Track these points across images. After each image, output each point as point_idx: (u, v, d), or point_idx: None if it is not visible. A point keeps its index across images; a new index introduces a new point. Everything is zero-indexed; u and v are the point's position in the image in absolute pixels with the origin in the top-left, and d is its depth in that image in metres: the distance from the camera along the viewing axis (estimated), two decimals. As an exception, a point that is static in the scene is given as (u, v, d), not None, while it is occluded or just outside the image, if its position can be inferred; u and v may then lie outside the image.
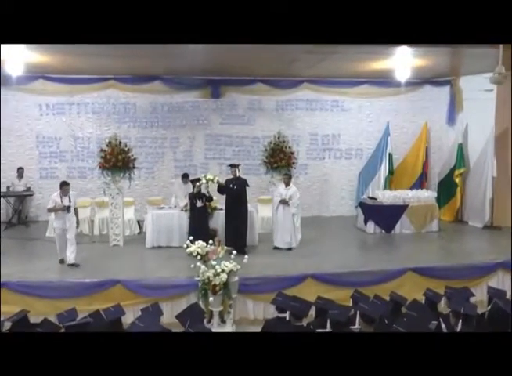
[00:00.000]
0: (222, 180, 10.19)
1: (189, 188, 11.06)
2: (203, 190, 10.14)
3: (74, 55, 9.33)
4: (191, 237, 8.17)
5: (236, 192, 9.85)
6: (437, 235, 11.71)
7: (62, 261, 8.99)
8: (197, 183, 10.11)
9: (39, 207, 12.82)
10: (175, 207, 10.95)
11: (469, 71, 12.25)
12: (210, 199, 10.12)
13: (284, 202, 10.03)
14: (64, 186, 8.90)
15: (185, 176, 11.44)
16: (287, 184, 10.16)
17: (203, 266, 7.47)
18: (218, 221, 10.29)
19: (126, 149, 10.44)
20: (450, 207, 13.00)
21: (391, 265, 8.95)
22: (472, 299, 7.00)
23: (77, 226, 9.82)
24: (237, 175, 10.08)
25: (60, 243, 8.97)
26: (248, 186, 10.08)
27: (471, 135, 12.77)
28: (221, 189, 10.08)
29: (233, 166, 10.22)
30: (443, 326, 5.72)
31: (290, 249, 10.07)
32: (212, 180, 10.08)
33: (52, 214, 9.26)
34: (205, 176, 10.18)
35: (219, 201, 10.70)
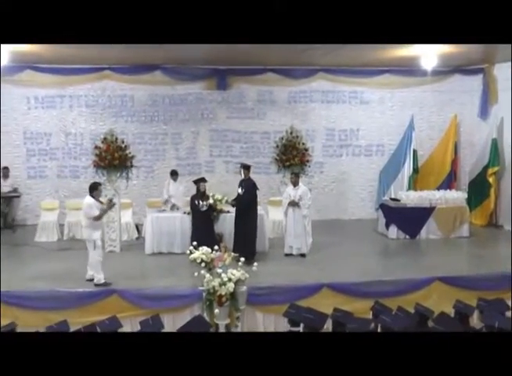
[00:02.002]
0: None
1: (179, 186, 11.37)
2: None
3: (66, 42, 9.40)
4: (194, 243, 8.19)
5: (243, 196, 9.86)
6: (467, 241, 11.64)
7: (109, 283, 8.36)
8: (201, 183, 10.15)
9: (27, 209, 12.92)
10: (178, 209, 11.00)
11: (504, 58, 12.14)
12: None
13: (294, 204, 10.06)
14: (99, 187, 8.64)
15: (174, 173, 11.52)
16: (295, 184, 10.19)
17: (207, 275, 7.49)
18: (225, 225, 10.32)
19: (123, 146, 10.50)
20: (483, 209, 12.92)
21: (416, 273, 8.92)
22: (508, 313, 6.95)
23: None
24: (247, 176, 10.04)
25: (99, 258, 8.53)
26: (258, 189, 10.05)
27: (507, 129, 12.67)
28: (232, 204, 10.17)
29: (244, 167, 10.17)
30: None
31: (303, 255, 10.08)
32: (220, 201, 10.09)
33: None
34: (213, 196, 10.21)
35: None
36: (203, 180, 10.32)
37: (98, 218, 8.46)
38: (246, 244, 9.58)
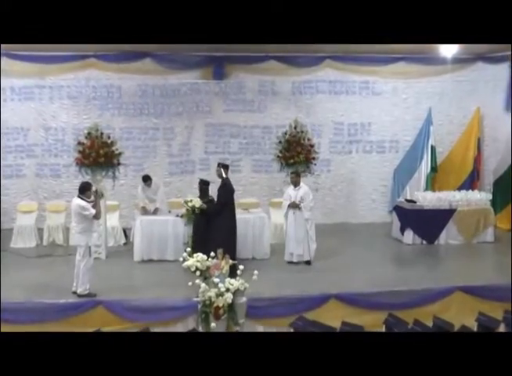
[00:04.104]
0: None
1: (157, 189, 11.40)
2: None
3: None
4: (188, 249, 8.19)
5: (217, 200, 9.97)
6: (492, 246, 11.66)
7: (93, 294, 8.37)
8: (204, 186, 10.37)
9: (2, 212, 12.82)
10: (170, 212, 11.02)
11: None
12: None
13: (294, 206, 10.09)
14: (91, 188, 8.64)
15: (146, 179, 11.50)
16: (296, 184, 10.25)
17: (203, 284, 7.49)
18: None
19: (109, 141, 10.52)
20: (509, 212, 12.90)
21: (434, 283, 8.93)
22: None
23: None
24: (223, 176, 10.00)
25: (89, 267, 8.53)
26: (231, 190, 9.97)
27: (535, 123, 12.69)
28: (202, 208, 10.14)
29: (221, 166, 10.13)
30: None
31: (308, 263, 10.10)
32: (186, 203, 10.22)
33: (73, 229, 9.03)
34: (186, 202, 10.27)
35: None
36: (202, 183, 10.51)
37: (98, 215, 8.51)
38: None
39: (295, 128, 11.48)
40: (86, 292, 8.37)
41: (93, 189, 8.71)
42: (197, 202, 10.14)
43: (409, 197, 12.83)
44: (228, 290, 7.42)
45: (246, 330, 7.94)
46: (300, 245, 10.12)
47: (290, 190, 10.30)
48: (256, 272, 7.79)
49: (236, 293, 7.51)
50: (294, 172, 10.51)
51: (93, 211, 8.38)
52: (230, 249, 9.02)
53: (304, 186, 10.28)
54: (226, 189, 9.87)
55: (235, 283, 7.50)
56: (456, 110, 14.09)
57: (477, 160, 13.81)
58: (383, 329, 6.89)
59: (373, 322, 7.41)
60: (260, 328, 8.14)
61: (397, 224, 12.16)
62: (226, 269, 7.87)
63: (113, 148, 10.52)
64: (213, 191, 10.37)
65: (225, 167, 10.19)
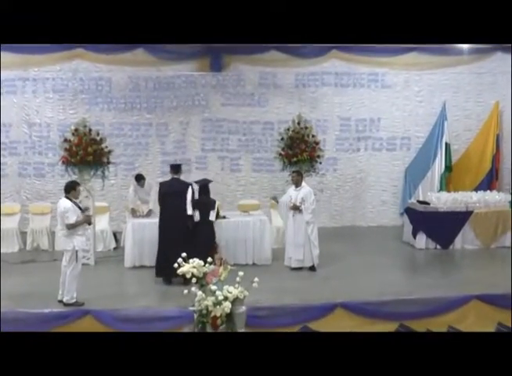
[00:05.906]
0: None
1: (150, 190, 11.46)
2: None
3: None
4: (183, 254, 8.20)
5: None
6: (511, 252, 11.64)
7: (80, 303, 8.35)
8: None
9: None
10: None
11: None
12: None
13: (295, 208, 10.12)
14: (77, 187, 8.63)
15: (139, 178, 11.50)
16: (298, 184, 10.26)
17: (199, 292, 7.48)
18: (221, 232, 10.35)
19: (98, 138, 10.52)
20: (529, 214, 12.93)
21: (449, 291, 8.93)
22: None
23: None
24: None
25: (77, 274, 8.52)
26: (160, 193, 9.93)
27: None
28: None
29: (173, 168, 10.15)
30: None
31: (313, 269, 10.12)
32: None
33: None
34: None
35: (222, 206, 10.75)
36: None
37: (71, 226, 8.35)
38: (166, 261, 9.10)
39: (298, 123, 11.48)
40: (73, 301, 8.37)
41: (81, 189, 8.69)
42: None
43: (421, 198, 12.86)
44: (226, 298, 7.40)
45: (245, 341, 7.97)
46: (300, 250, 10.13)
47: (291, 191, 10.33)
48: (256, 279, 7.77)
49: (235, 302, 7.49)
50: (296, 171, 10.52)
51: (70, 221, 8.28)
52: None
53: (306, 187, 10.29)
54: (159, 191, 9.91)
55: (234, 291, 7.49)
56: (472, 104, 14.11)
57: (496, 158, 13.82)
58: (393, 340, 6.90)
59: (382, 333, 7.43)
60: (260, 339, 8.15)
61: (408, 227, 12.18)
62: (225, 276, 7.86)
63: (103, 145, 10.52)
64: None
65: (172, 167, 10.12)
